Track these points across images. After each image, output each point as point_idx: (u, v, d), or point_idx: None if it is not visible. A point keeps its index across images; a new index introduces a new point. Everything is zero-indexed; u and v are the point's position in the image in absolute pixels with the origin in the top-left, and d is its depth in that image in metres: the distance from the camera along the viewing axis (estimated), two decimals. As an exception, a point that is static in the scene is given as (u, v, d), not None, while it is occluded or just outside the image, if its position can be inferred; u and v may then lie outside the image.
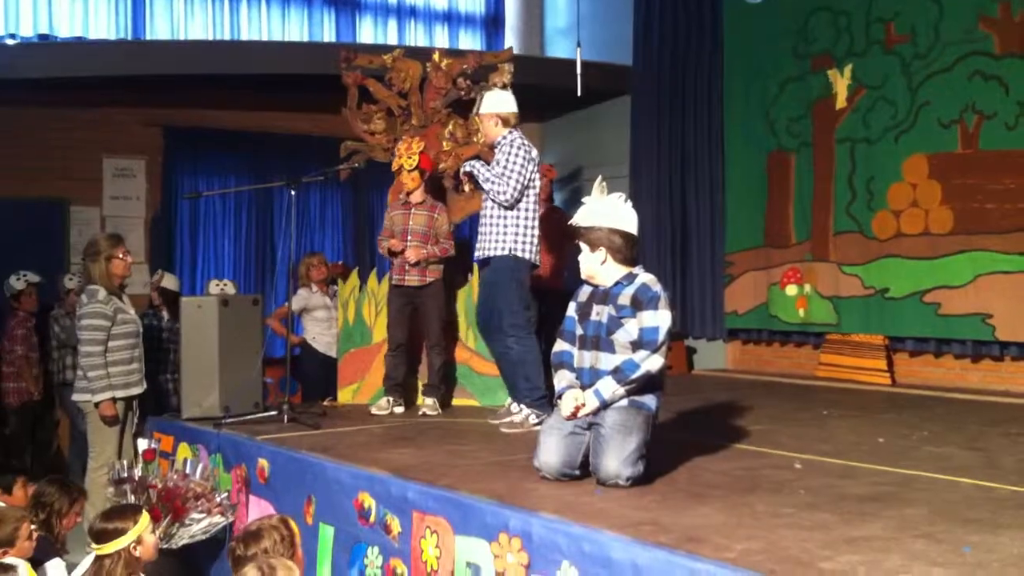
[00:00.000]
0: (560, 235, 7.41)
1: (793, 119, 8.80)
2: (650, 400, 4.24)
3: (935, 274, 7.63)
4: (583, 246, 4.31)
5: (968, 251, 7.44)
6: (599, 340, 4.24)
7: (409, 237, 6.28)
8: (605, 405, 4.14)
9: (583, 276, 4.38)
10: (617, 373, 4.13)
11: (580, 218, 4.34)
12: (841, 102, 8.45)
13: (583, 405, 4.14)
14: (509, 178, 5.61)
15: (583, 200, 4.40)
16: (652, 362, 4.12)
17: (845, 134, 8.39)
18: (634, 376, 4.10)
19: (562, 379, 4.32)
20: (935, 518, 3.52)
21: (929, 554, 3.05)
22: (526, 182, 5.69)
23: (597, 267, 4.30)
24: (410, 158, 6.27)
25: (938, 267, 7.61)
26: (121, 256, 5.84)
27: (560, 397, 4.26)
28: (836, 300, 8.36)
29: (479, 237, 5.86)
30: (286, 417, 5.76)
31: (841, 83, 8.46)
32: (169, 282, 8.04)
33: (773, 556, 3.01)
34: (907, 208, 7.88)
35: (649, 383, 4.20)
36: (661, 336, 4.15)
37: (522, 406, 5.61)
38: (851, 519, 3.51)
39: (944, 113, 7.67)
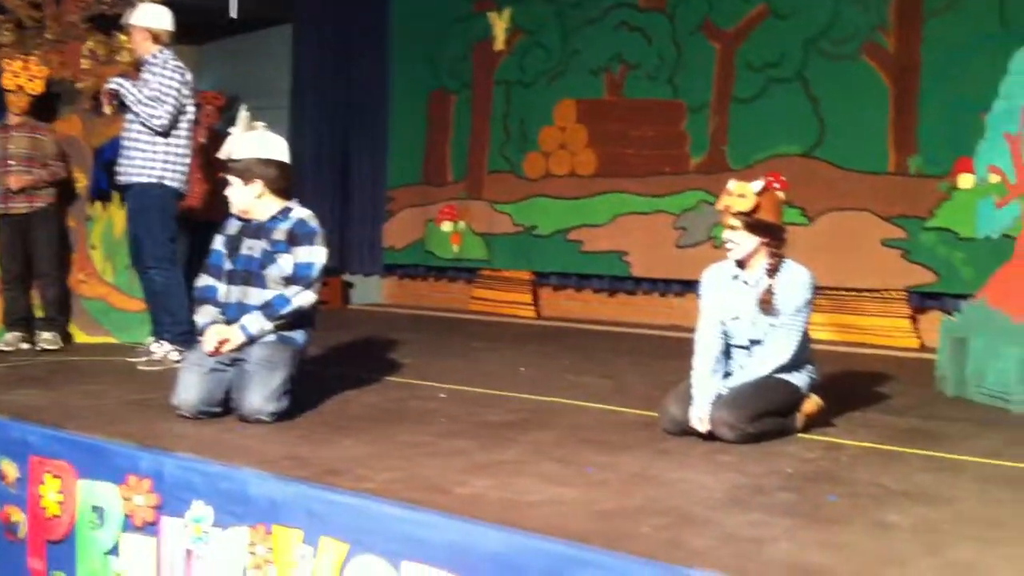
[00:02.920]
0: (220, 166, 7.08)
1: (455, 59, 8.91)
2: (299, 335, 4.19)
3: (579, 214, 8.06)
4: (234, 179, 4.16)
5: (609, 192, 7.90)
6: (249, 275, 4.13)
7: (11, 162, 5.79)
8: (252, 340, 4.04)
9: (235, 211, 4.23)
10: (266, 308, 4.05)
11: (231, 150, 4.16)
12: (500, 45, 8.66)
13: (227, 340, 4.02)
14: (164, 102, 5.27)
15: (230, 131, 4.22)
16: (304, 298, 4.08)
17: (502, 76, 8.61)
18: (284, 312, 4.05)
19: (205, 314, 4.17)
20: (566, 441, 3.72)
21: (557, 475, 3.21)
22: (180, 106, 5.38)
23: (252, 201, 4.17)
24: (32, 80, 5.78)
25: (582, 207, 8.04)
26: None
27: (203, 332, 4.10)
28: (488, 237, 8.63)
29: (122, 161, 5.45)
30: None
31: (500, 26, 8.66)
32: None
33: (412, 484, 3.05)
34: (556, 150, 8.24)
35: (299, 318, 4.15)
36: (315, 272, 4.11)
37: (163, 342, 5.35)
38: (489, 445, 3.63)
39: (593, 61, 8.05)
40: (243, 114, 4.19)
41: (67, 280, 6.15)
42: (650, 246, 7.69)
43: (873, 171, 6.75)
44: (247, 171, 4.14)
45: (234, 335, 4.03)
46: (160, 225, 5.38)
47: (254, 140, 4.19)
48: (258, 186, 4.15)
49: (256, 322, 4.04)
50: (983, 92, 5.15)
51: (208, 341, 4.04)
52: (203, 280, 4.25)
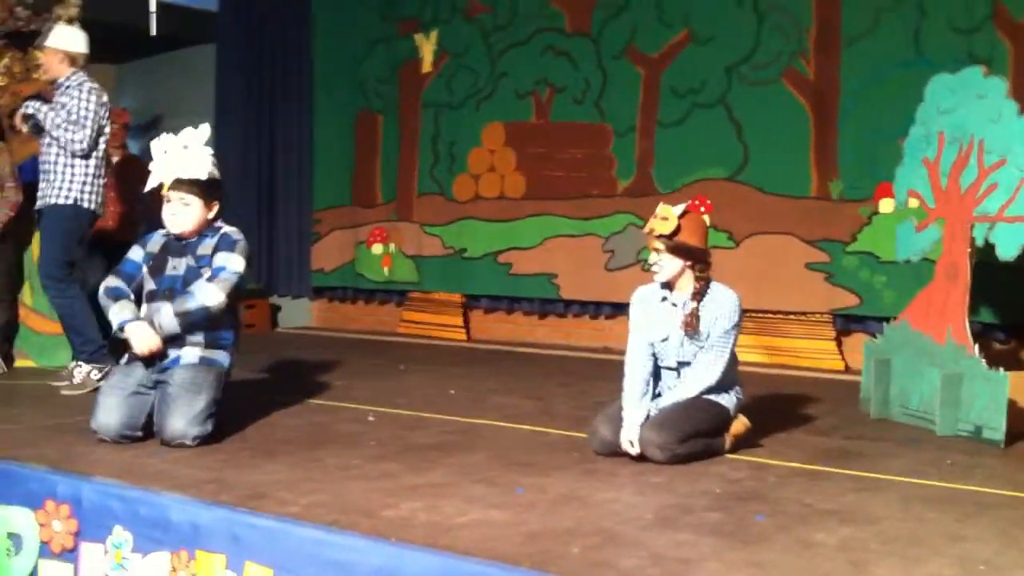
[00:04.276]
0: (137, 185, 6.96)
1: (380, 80, 8.88)
2: (222, 357, 4.13)
3: (508, 236, 8.06)
4: (194, 199, 4.08)
5: (538, 215, 7.92)
6: (174, 293, 4.06)
7: None
8: (164, 335, 3.96)
9: (185, 230, 4.12)
10: (174, 300, 3.97)
11: (197, 169, 4.07)
12: (427, 67, 8.64)
13: (156, 346, 3.96)
14: (84, 125, 5.21)
15: (187, 146, 4.09)
16: (208, 291, 3.99)
17: (430, 98, 8.59)
18: (190, 305, 3.96)
19: (123, 309, 4.02)
20: (494, 463, 3.70)
21: (486, 497, 3.19)
22: (99, 129, 5.30)
23: (206, 219, 4.14)
24: None
25: (511, 229, 8.04)
26: None
27: (123, 330, 3.97)
28: (419, 259, 8.59)
29: (41, 185, 5.39)
30: None
31: (427, 48, 8.64)
32: None
33: (337, 507, 3.01)
34: (485, 173, 8.24)
35: (220, 342, 4.08)
36: (226, 274, 4.04)
37: (81, 364, 5.23)
38: (417, 467, 3.60)
39: (520, 84, 8.08)
40: (205, 129, 4.12)
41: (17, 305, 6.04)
42: (579, 269, 7.71)
43: (796, 195, 6.86)
44: (212, 192, 4.13)
45: (154, 336, 3.96)
46: (62, 248, 5.30)
47: (209, 159, 4.13)
48: (216, 207, 4.14)
49: (167, 317, 3.95)
50: (900, 118, 5.25)
51: (138, 345, 3.94)
52: (112, 281, 4.13)
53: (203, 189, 4.09)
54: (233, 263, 4.06)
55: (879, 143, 6.29)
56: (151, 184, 4.15)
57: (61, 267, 5.28)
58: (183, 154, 4.08)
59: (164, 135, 4.15)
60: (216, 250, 4.08)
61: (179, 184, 4.07)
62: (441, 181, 8.49)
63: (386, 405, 4.96)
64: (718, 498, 3.25)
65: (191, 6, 9.44)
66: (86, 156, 5.27)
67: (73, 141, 5.20)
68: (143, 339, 3.95)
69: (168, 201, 4.09)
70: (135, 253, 4.20)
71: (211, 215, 4.15)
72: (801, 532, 2.85)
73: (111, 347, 4.95)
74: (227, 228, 4.19)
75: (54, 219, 5.28)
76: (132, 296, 4.11)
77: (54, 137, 5.23)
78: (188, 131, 4.13)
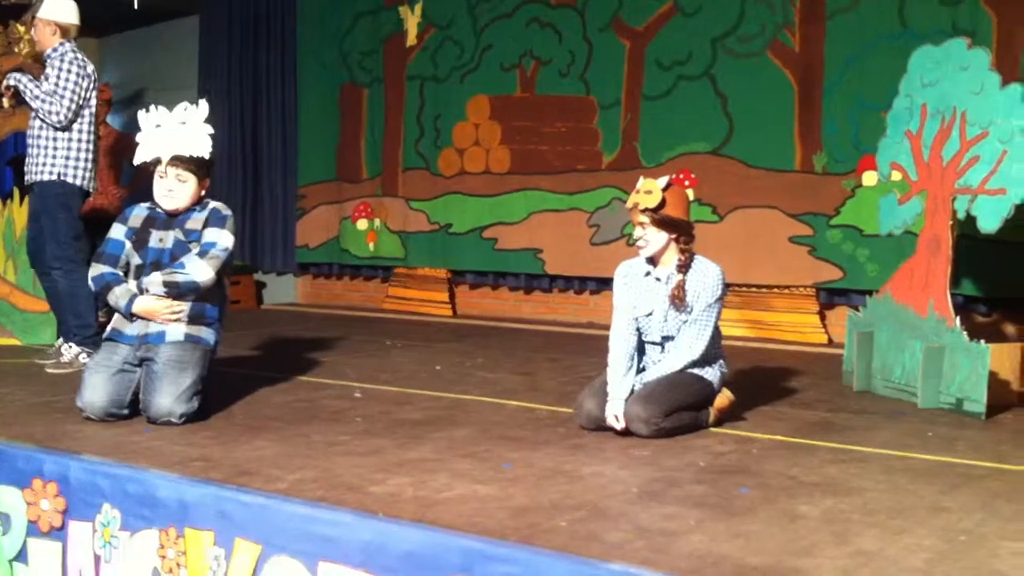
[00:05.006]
0: (124, 161, 6.94)
1: (365, 53, 8.83)
2: (208, 335, 4.12)
3: (494, 211, 8.05)
4: (190, 177, 4.06)
5: (523, 190, 7.92)
6: (160, 265, 4.03)
7: None
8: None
9: (179, 207, 4.08)
10: (164, 270, 3.97)
11: (199, 147, 4.05)
12: (412, 39, 8.60)
13: (167, 309, 3.99)
14: (62, 96, 5.14)
15: (185, 123, 4.05)
16: (199, 267, 3.99)
17: (415, 71, 8.56)
18: (179, 278, 3.95)
19: (124, 294, 4.00)
20: (481, 438, 3.72)
21: (473, 472, 3.21)
22: (81, 101, 5.24)
23: (199, 195, 4.14)
24: None
25: (496, 204, 8.04)
26: None
27: (129, 312, 3.97)
28: (404, 235, 8.59)
29: (28, 160, 5.34)
30: None
31: (412, 21, 8.60)
32: None
33: (326, 483, 3.03)
34: (470, 147, 8.23)
35: (206, 319, 4.07)
36: (216, 250, 4.04)
37: (72, 345, 5.20)
38: (404, 443, 3.61)
39: (505, 57, 8.05)
40: (204, 106, 4.09)
41: None
42: (564, 244, 7.72)
43: (780, 169, 6.86)
44: (207, 170, 4.13)
45: (155, 303, 3.97)
46: (64, 224, 5.24)
47: (208, 137, 4.10)
48: (208, 184, 4.15)
49: (155, 287, 3.95)
50: (885, 91, 5.26)
51: (156, 316, 3.96)
52: (98, 269, 4.08)
53: (200, 167, 4.08)
54: (223, 239, 4.06)
55: (863, 116, 6.32)
56: (143, 157, 4.08)
57: (71, 244, 5.24)
58: (183, 130, 4.05)
59: (154, 108, 4.11)
60: (206, 225, 4.07)
61: (178, 161, 4.04)
62: (426, 155, 8.47)
63: (372, 381, 4.97)
64: (703, 471, 3.28)
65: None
66: (66, 129, 5.22)
67: (50, 113, 5.14)
68: (154, 311, 3.95)
69: (163, 177, 4.06)
70: (116, 231, 4.15)
71: (203, 190, 4.14)
72: (785, 504, 2.88)
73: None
74: (215, 203, 4.18)
75: (45, 198, 5.22)
76: (122, 275, 4.09)
77: (33, 109, 5.20)
78: (185, 107, 4.10)
